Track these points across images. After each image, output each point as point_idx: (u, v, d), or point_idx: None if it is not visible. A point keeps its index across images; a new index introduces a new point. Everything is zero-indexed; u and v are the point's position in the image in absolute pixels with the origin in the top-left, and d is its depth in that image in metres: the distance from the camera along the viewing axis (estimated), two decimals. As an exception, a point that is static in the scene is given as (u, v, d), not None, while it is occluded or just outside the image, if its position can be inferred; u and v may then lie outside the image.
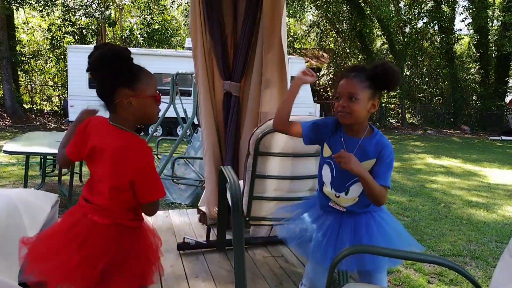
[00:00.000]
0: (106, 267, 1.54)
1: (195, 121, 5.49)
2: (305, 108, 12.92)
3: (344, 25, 21.58)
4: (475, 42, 21.21)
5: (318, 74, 22.50)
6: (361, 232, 1.84)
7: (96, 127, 1.62)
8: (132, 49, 15.32)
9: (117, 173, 1.53)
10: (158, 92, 1.61)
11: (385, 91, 1.83)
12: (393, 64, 1.81)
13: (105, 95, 1.55)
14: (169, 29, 22.41)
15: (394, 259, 1.83)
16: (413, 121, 21.92)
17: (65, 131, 1.83)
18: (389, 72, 1.73)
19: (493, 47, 21.06)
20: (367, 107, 1.78)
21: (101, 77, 1.53)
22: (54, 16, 18.48)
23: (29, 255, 1.58)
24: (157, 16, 21.98)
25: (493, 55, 21.25)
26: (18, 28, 18.35)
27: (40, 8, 16.67)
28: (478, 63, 21.48)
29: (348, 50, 22.07)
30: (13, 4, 15.60)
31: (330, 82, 21.80)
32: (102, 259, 1.53)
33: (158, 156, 6.98)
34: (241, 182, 2.62)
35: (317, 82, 22.45)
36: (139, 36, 21.39)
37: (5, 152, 4.44)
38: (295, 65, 13.69)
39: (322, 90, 22.31)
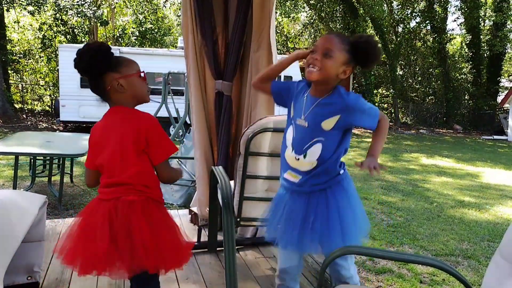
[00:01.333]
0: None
1: (188, 121, 5.45)
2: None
3: (338, 25, 21.60)
4: (467, 42, 21.33)
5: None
6: (311, 213, 1.78)
7: (98, 126, 1.78)
8: (124, 48, 15.10)
9: (140, 144, 1.68)
10: (142, 72, 1.76)
11: (361, 67, 1.78)
12: (377, 42, 1.77)
13: (97, 85, 1.71)
14: (161, 28, 22.31)
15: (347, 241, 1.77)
16: (406, 121, 22.01)
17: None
18: (371, 44, 1.70)
19: (485, 47, 21.18)
20: (339, 70, 1.71)
21: (89, 70, 1.69)
22: (46, 15, 18.33)
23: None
24: (150, 15, 21.87)
25: (485, 55, 21.38)
26: (8, 27, 18.17)
27: (32, 9, 16.53)
28: (470, 62, 21.61)
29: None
30: (3, 5, 15.46)
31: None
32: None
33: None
34: (232, 182, 2.59)
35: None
36: (131, 35, 21.27)
37: (-6, 152, 4.38)
38: (288, 65, 13.65)
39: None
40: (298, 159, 1.80)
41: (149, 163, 1.72)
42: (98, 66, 1.67)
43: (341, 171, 1.83)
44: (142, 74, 1.76)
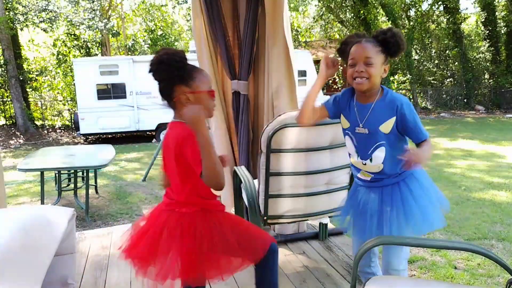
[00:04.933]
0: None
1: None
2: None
3: (348, 14, 21.37)
4: (483, 19, 20.83)
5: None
6: (387, 204, 1.85)
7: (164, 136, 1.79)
8: (137, 57, 15.12)
9: (181, 159, 1.66)
10: (212, 89, 1.75)
11: (391, 58, 1.83)
12: (398, 30, 1.80)
13: (165, 94, 1.72)
14: (172, 34, 22.45)
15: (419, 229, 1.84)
16: (426, 105, 21.63)
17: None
18: (398, 36, 1.76)
19: (502, 23, 20.65)
20: (381, 71, 1.79)
21: (160, 78, 1.69)
22: (59, 31, 18.65)
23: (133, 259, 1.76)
24: (160, 22, 22.04)
25: (502, 32, 20.84)
26: (23, 46, 18.55)
27: (45, 26, 16.83)
28: (488, 40, 21.07)
29: (353, 39, 21.78)
30: (17, 24, 15.77)
31: (337, 73, 21.63)
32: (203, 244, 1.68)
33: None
34: (256, 181, 2.57)
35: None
36: (143, 43, 21.48)
37: (20, 170, 4.46)
38: (301, 59, 13.61)
39: (331, 81, 22.13)
40: (365, 163, 1.88)
41: (189, 177, 1.71)
42: (170, 79, 1.67)
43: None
44: (211, 92, 1.75)
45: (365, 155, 1.87)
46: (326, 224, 3.38)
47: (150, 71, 1.67)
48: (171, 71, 1.64)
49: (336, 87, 21.84)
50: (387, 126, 1.79)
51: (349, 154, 1.97)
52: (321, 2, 21.55)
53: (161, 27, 21.94)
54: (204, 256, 1.69)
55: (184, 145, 1.62)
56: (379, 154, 1.83)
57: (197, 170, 1.61)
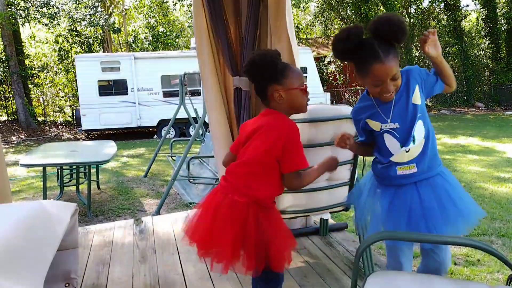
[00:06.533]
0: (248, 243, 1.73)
1: (207, 120, 5.48)
2: (315, 98, 12.83)
3: (349, 11, 21.33)
4: (483, 17, 20.79)
5: (327, 62, 22.25)
6: (439, 196, 1.84)
7: (250, 121, 1.91)
8: (138, 54, 15.07)
9: (273, 150, 1.73)
10: (305, 85, 1.81)
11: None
12: (390, 14, 1.73)
13: (260, 92, 1.84)
14: (173, 30, 22.42)
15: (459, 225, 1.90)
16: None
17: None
18: (399, 22, 1.68)
19: (502, 21, 20.61)
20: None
21: (253, 79, 1.83)
22: (60, 28, 18.64)
23: (190, 235, 1.83)
24: (161, 18, 22.00)
25: (503, 29, 20.80)
26: (25, 42, 18.54)
27: (46, 21, 16.83)
28: (488, 38, 21.05)
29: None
30: (18, 20, 15.77)
31: (338, 69, 21.60)
32: (245, 235, 1.71)
33: (173, 158, 7.00)
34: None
35: (325, 70, 22.27)
36: (144, 40, 21.45)
37: (22, 165, 4.48)
38: (301, 55, 13.58)
39: (331, 78, 22.11)
40: (408, 150, 1.83)
41: (264, 168, 1.76)
42: (263, 79, 1.78)
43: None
44: (303, 88, 1.80)
45: (408, 137, 1.81)
46: (327, 220, 3.40)
47: (244, 72, 1.81)
48: (262, 72, 1.75)
49: (336, 84, 21.82)
50: (416, 96, 1.81)
51: (387, 158, 1.88)
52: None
53: (162, 24, 21.90)
54: (246, 247, 1.73)
55: (286, 140, 1.71)
56: (419, 129, 1.81)
57: (282, 167, 1.73)
